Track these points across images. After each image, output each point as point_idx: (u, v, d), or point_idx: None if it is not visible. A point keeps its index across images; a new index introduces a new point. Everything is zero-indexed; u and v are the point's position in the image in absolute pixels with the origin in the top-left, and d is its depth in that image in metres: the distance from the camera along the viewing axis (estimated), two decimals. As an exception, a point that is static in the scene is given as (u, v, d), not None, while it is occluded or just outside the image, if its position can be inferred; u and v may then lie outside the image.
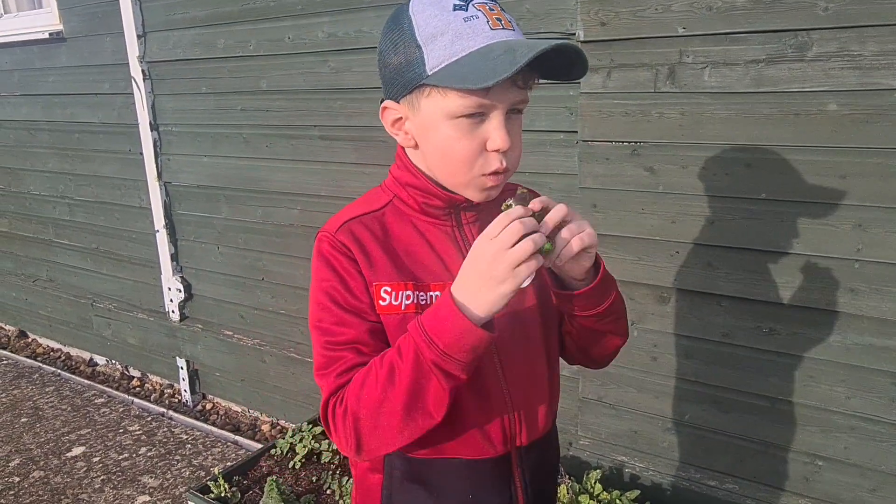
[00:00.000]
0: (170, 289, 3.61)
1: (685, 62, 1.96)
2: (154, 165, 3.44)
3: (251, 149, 3.09)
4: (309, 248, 3.14)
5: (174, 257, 3.56)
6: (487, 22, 0.91)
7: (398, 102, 0.99)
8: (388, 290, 0.99)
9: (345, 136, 2.78)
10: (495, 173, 0.97)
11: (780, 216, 1.92)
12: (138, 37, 3.27)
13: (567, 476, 2.35)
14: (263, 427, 3.46)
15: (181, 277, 3.58)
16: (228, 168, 3.20)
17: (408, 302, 1.00)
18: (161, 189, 3.48)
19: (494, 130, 0.94)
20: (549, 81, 1.00)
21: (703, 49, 1.93)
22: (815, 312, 1.94)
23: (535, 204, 0.91)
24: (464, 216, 1.06)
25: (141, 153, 3.48)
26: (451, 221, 1.05)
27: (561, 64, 0.94)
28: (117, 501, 2.85)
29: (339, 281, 0.99)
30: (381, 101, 1.03)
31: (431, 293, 1.01)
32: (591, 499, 2.19)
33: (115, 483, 2.98)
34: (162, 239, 3.54)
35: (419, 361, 0.90)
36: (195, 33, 3.09)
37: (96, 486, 2.96)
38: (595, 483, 2.24)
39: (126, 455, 3.21)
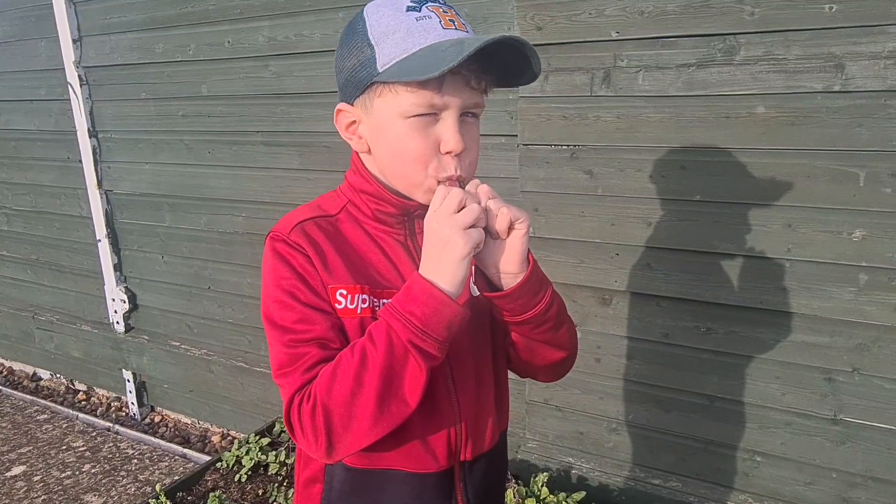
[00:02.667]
0: (114, 300, 3.51)
1: (620, 66, 1.98)
2: (94, 173, 3.35)
3: (193, 155, 3.02)
4: (254, 255, 3.08)
5: (117, 267, 3.47)
6: (440, 22, 0.91)
7: (352, 105, 0.98)
8: (344, 292, 0.97)
9: (288, 142, 2.74)
10: (449, 179, 0.95)
11: (714, 217, 1.95)
12: (73, 41, 3.18)
13: (515, 480, 2.36)
14: (213, 438, 3.39)
15: (125, 288, 3.49)
16: (171, 175, 3.13)
17: (364, 305, 0.98)
18: (102, 197, 3.38)
19: (447, 131, 0.93)
20: (503, 89, 1.00)
21: (636, 53, 1.95)
22: (749, 311, 1.97)
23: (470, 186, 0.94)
24: (417, 225, 1.04)
25: (80, 161, 3.38)
26: (403, 230, 1.04)
27: (515, 64, 0.93)
28: (58, 521, 2.77)
29: (298, 278, 0.97)
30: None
31: (385, 300, 0.99)
32: (537, 502, 2.19)
33: (57, 502, 2.89)
34: (104, 249, 3.44)
35: (393, 344, 0.89)
36: (133, 37, 3.02)
37: (36, 506, 2.86)
38: (542, 486, 2.25)
39: (69, 473, 3.11)
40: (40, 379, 4.19)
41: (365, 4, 0.96)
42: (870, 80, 1.69)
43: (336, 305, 0.97)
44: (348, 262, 1.00)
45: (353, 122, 0.99)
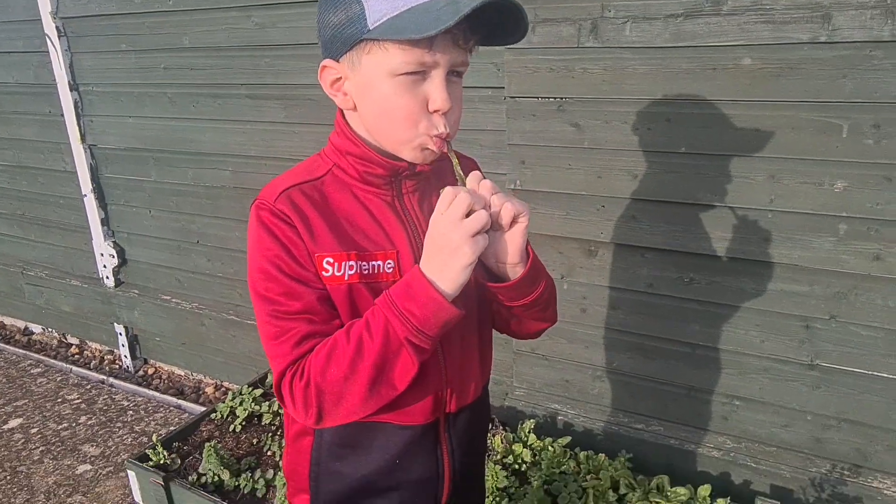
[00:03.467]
0: (102, 254, 3.51)
1: (607, 17, 1.97)
2: (76, 127, 3.31)
3: (177, 109, 2.99)
4: (242, 209, 3.08)
5: (105, 222, 3.46)
6: None
7: (338, 62, 0.96)
8: (331, 260, 0.98)
9: (273, 95, 2.71)
10: (438, 136, 0.96)
11: (698, 169, 1.97)
12: (50, -9, 3.10)
13: (503, 427, 2.43)
14: (207, 389, 3.45)
15: (114, 242, 3.49)
16: (155, 129, 3.10)
17: (351, 272, 0.99)
18: (86, 152, 3.35)
19: (436, 90, 0.93)
20: (489, 47, 0.99)
21: (623, 3, 1.93)
22: (731, 262, 2.01)
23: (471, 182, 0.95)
24: (404, 185, 1.04)
25: (62, 115, 3.33)
26: (391, 191, 1.04)
27: (501, 25, 0.93)
28: (57, 472, 2.83)
29: (283, 249, 0.97)
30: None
31: (375, 262, 1.01)
32: (524, 447, 2.26)
33: (55, 454, 2.95)
34: (90, 203, 3.43)
35: (389, 337, 0.92)
36: (110, -13, 2.94)
37: (35, 458, 2.92)
38: (529, 432, 2.32)
39: (65, 425, 3.17)
40: (32, 333, 4.21)
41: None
42: (856, 31, 1.69)
43: (323, 273, 0.98)
44: (335, 228, 0.99)
45: (339, 78, 0.98)
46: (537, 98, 2.14)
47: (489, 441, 2.33)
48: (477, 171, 0.96)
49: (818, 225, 1.88)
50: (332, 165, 1.04)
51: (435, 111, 0.94)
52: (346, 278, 0.99)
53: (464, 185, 0.95)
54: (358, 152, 1.01)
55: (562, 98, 2.10)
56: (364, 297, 1.00)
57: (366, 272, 1.00)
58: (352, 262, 0.99)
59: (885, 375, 1.92)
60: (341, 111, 1.03)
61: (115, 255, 3.48)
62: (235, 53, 2.74)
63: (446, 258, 0.90)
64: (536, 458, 2.25)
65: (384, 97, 0.93)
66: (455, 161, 0.97)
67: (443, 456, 1.13)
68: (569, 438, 2.31)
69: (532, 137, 2.18)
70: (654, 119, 1.99)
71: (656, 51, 1.93)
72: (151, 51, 2.95)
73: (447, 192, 0.91)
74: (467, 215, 0.89)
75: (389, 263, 1.02)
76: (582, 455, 2.23)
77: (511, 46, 2.11)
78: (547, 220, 2.23)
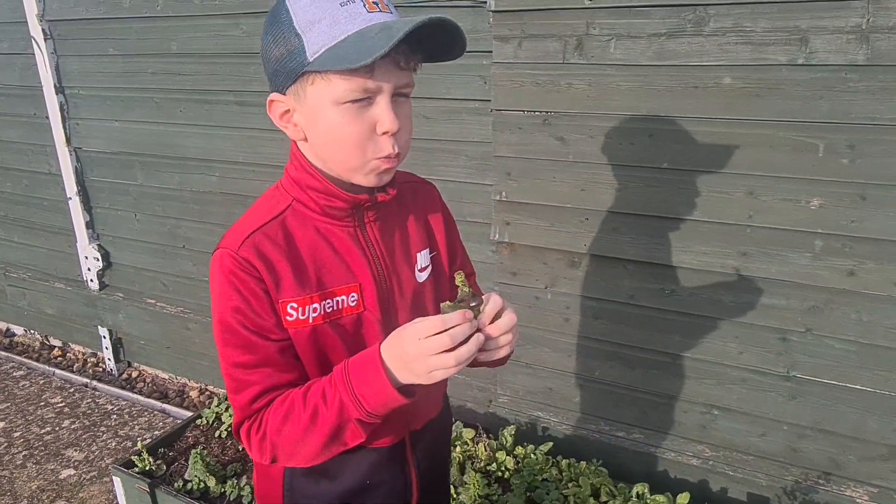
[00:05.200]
0: (87, 257, 3.50)
1: (592, 34, 2.00)
2: (62, 130, 3.30)
3: (164, 114, 2.99)
4: (228, 214, 3.09)
5: (90, 225, 3.45)
6: (364, 6, 0.92)
7: (284, 94, 0.98)
8: (295, 305, 0.99)
9: (260, 102, 2.66)
10: (388, 157, 0.98)
11: (679, 184, 2.01)
12: (36, -7, 3.08)
13: (486, 434, 2.46)
14: (192, 393, 3.46)
15: (98, 245, 3.48)
16: (142, 133, 3.09)
17: (315, 314, 1.01)
18: (71, 155, 3.34)
19: (382, 112, 0.94)
20: (433, 63, 1.01)
21: (608, 22, 1.97)
22: (711, 275, 2.06)
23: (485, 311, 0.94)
24: (366, 216, 1.06)
25: (47, 117, 3.32)
26: (353, 222, 1.05)
27: (441, 43, 0.95)
28: (41, 476, 2.82)
29: (243, 301, 0.98)
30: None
31: (339, 297, 1.03)
32: (507, 455, 2.30)
33: (38, 458, 2.94)
34: (75, 206, 3.42)
35: (343, 413, 0.95)
36: (98, -9, 2.94)
37: (18, 462, 2.91)
38: (510, 437, 2.36)
39: (49, 429, 3.17)
40: (14, 335, 4.19)
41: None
42: (832, 54, 1.74)
43: (287, 318, 1.00)
44: (299, 270, 1.01)
45: (287, 111, 0.99)
46: (523, 111, 2.17)
47: (473, 449, 2.36)
48: (497, 298, 0.95)
49: (795, 240, 1.93)
50: (293, 200, 1.04)
51: (384, 133, 0.96)
52: (310, 321, 1.01)
53: (470, 300, 0.93)
54: (319, 186, 1.01)
55: (547, 112, 2.13)
56: (328, 336, 1.03)
57: (329, 310, 1.03)
58: (315, 305, 1.01)
59: (858, 387, 1.98)
60: (295, 142, 1.04)
61: (100, 258, 3.47)
62: (223, 60, 2.75)
63: (404, 372, 0.93)
64: (519, 465, 2.29)
65: (332, 126, 0.95)
66: (465, 288, 0.95)
67: (410, 469, 1.19)
68: (550, 444, 2.34)
69: (517, 150, 2.21)
70: (636, 134, 2.03)
71: (640, 68, 1.97)
72: (139, 55, 2.95)
73: (436, 321, 0.90)
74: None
75: (353, 297, 1.04)
76: (564, 462, 2.27)
77: (498, 60, 2.14)
78: (531, 231, 2.27)
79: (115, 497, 2.44)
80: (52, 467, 2.88)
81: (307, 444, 0.99)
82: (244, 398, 1.00)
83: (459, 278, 0.94)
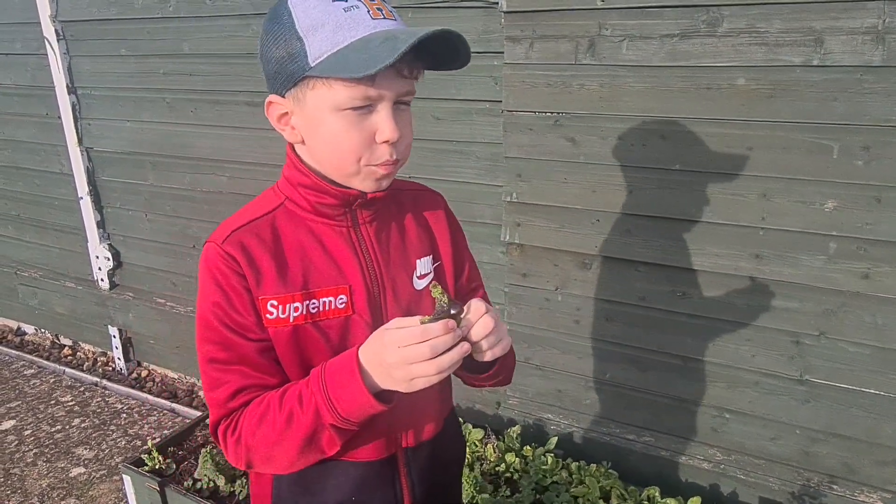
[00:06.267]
0: (97, 257, 3.52)
1: (604, 35, 2.00)
2: (74, 130, 3.31)
3: (175, 114, 3.00)
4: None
5: (100, 224, 3.47)
6: (368, 12, 0.90)
7: (283, 97, 0.96)
8: (275, 303, 0.98)
9: (271, 103, 2.72)
10: (385, 164, 0.96)
11: (692, 186, 2.00)
12: (49, -6, 3.10)
13: (495, 436, 2.46)
14: (201, 393, 3.46)
15: (109, 245, 3.49)
16: (153, 133, 3.11)
17: (296, 314, 0.99)
18: (83, 154, 3.35)
19: (383, 121, 0.93)
20: (436, 71, 0.99)
21: (620, 23, 1.96)
22: (723, 277, 2.05)
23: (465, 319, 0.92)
24: (360, 215, 1.04)
25: (59, 117, 3.34)
26: (346, 221, 1.04)
27: (445, 52, 0.94)
28: (51, 474, 2.83)
29: (223, 297, 0.97)
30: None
31: (325, 299, 1.01)
32: (516, 455, 2.29)
33: (49, 456, 2.96)
34: (87, 206, 3.43)
35: (318, 418, 0.93)
36: (110, -9, 2.95)
37: (28, 460, 2.93)
38: (516, 438, 2.35)
39: (59, 427, 3.18)
40: (25, 334, 4.21)
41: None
42: (847, 55, 1.73)
43: (267, 316, 0.98)
44: (282, 268, 0.99)
45: (285, 113, 0.98)
46: (534, 112, 2.16)
47: (482, 450, 2.36)
48: (480, 304, 0.93)
49: (809, 243, 1.91)
50: (285, 198, 1.04)
51: (384, 142, 0.94)
52: (290, 320, 0.99)
53: (449, 310, 0.90)
54: (309, 183, 1.00)
55: (558, 113, 2.13)
56: (311, 338, 1.01)
57: (314, 310, 1.00)
58: (297, 304, 0.99)
59: (873, 391, 1.96)
60: (290, 144, 1.03)
61: (111, 257, 3.49)
62: (234, 61, 2.75)
63: (383, 377, 0.91)
64: (527, 466, 2.28)
65: (331, 132, 0.94)
66: (443, 299, 0.91)
67: (402, 491, 1.13)
68: (556, 440, 2.34)
69: (528, 151, 2.21)
70: (648, 136, 2.02)
71: (652, 69, 1.96)
72: (151, 56, 2.96)
73: (416, 332, 0.87)
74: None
75: (342, 298, 1.02)
76: (573, 465, 2.26)
77: (509, 61, 2.13)
78: (542, 232, 2.26)
79: (125, 495, 2.44)
80: (63, 465, 2.89)
81: (282, 449, 0.97)
82: (219, 396, 0.99)
83: (436, 291, 0.90)
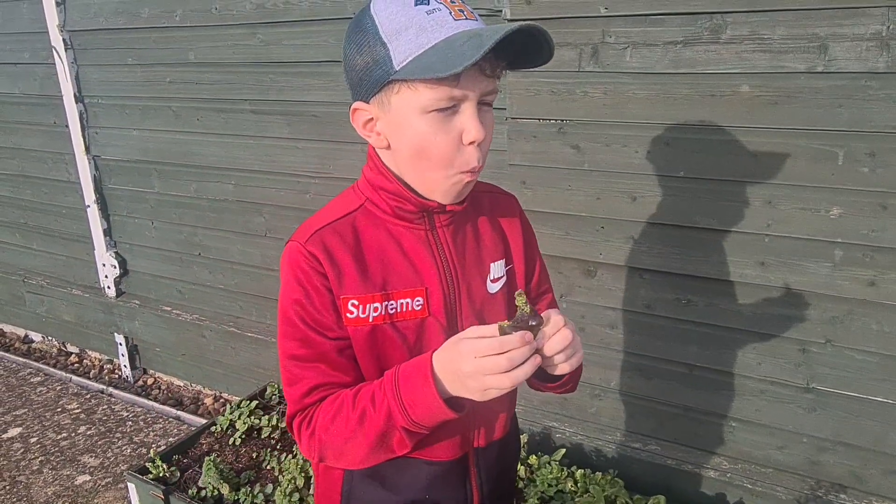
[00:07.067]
0: (104, 265, 3.53)
1: (608, 42, 2.00)
2: (81, 138, 3.34)
3: (181, 122, 3.02)
4: (244, 223, 3.10)
5: (107, 232, 3.48)
6: (450, 13, 0.91)
7: (368, 103, 0.97)
8: (356, 303, 1.00)
9: (277, 111, 2.74)
10: (472, 171, 0.97)
11: (696, 193, 1.99)
12: (57, 4, 3.13)
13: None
14: (206, 400, 3.47)
15: (115, 253, 3.51)
16: (159, 142, 3.12)
17: (375, 314, 1.01)
18: (90, 163, 3.38)
19: (469, 120, 0.93)
20: (518, 70, 0.99)
21: (624, 30, 1.96)
22: (728, 284, 2.04)
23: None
24: (437, 219, 1.05)
25: (66, 126, 3.36)
26: (424, 225, 1.05)
27: (528, 48, 0.93)
28: (57, 482, 2.84)
29: (304, 296, 0.99)
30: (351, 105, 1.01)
31: (403, 300, 1.02)
32: (521, 465, 2.28)
33: (54, 464, 2.96)
34: (94, 214, 3.45)
35: (390, 420, 0.94)
36: (118, 1, 2.97)
37: (34, 468, 2.93)
38: (522, 447, 2.34)
39: (65, 435, 3.18)
40: (32, 341, 4.23)
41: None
42: (851, 62, 1.72)
43: (348, 315, 1.00)
44: (363, 268, 1.01)
45: (371, 119, 0.99)
46: (538, 120, 2.16)
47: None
48: (559, 318, 0.92)
49: (814, 250, 1.90)
50: (365, 200, 1.05)
51: (470, 143, 0.94)
52: (370, 320, 1.01)
53: (529, 321, 0.90)
54: (391, 188, 1.02)
55: (562, 120, 2.13)
56: (388, 338, 1.02)
57: (392, 311, 1.02)
58: (377, 304, 1.01)
59: (880, 399, 1.94)
60: (372, 146, 1.04)
61: (117, 265, 3.50)
62: (240, 69, 2.77)
63: (457, 386, 0.91)
64: (533, 475, 2.26)
65: (419, 135, 0.94)
66: (526, 308, 0.91)
67: (472, 490, 1.15)
68: (563, 451, 2.33)
69: (533, 158, 2.21)
70: (653, 143, 2.01)
71: (656, 76, 1.96)
72: (157, 65, 2.98)
73: (493, 343, 0.87)
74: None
75: (418, 301, 1.03)
76: (579, 473, 2.25)
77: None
78: (547, 240, 2.25)
79: (130, 503, 2.44)
80: (68, 473, 2.90)
81: (354, 446, 0.98)
82: (297, 391, 1.01)
83: (521, 299, 0.91)
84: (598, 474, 2.23)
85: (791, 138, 1.84)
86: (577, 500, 2.15)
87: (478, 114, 0.94)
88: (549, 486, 2.20)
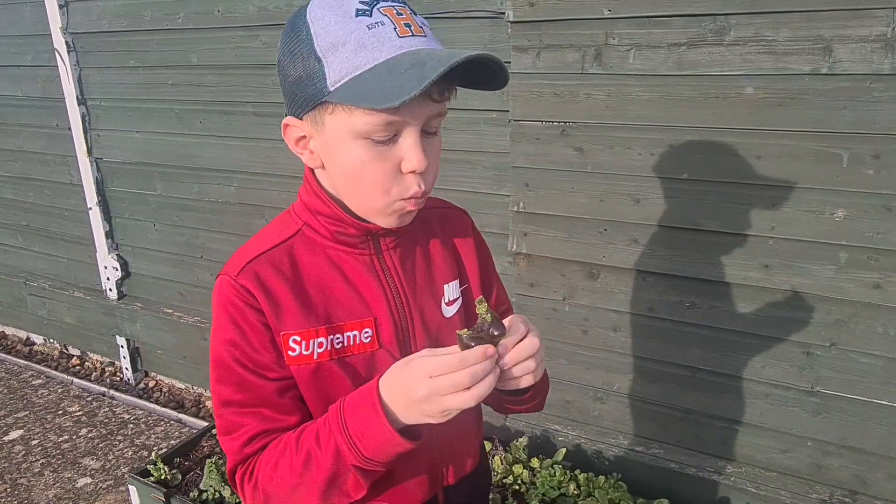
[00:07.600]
0: (106, 267, 3.53)
1: (611, 44, 1.99)
2: (83, 141, 3.33)
3: (183, 124, 3.02)
4: (246, 224, 3.09)
5: (109, 235, 3.48)
6: (395, 29, 0.81)
7: (301, 119, 0.89)
8: (298, 339, 0.90)
9: (278, 113, 2.72)
10: (413, 198, 0.88)
11: (700, 195, 1.99)
12: (60, 6, 3.13)
13: (503, 448, 2.44)
14: (208, 403, 3.46)
15: (117, 255, 3.51)
16: (161, 144, 3.12)
17: (320, 350, 0.92)
18: (92, 165, 3.37)
19: (409, 150, 0.84)
20: (469, 89, 0.90)
21: (627, 32, 1.96)
22: (732, 287, 2.03)
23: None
24: (382, 242, 0.97)
25: (69, 128, 3.36)
26: (368, 249, 0.96)
27: (480, 72, 0.84)
28: (58, 485, 2.83)
29: (239, 334, 0.90)
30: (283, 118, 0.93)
31: (350, 333, 0.94)
32: (523, 468, 2.27)
33: (55, 466, 2.95)
34: (95, 216, 3.45)
35: (339, 459, 0.85)
36: (120, 4, 2.97)
37: (35, 470, 2.93)
38: (522, 449, 2.33)
39: (66, 437, 3.18)
40: (34, 344, 4.23)
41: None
42: (856, 64, 1.72)
43: (289, 353, 0.91)
44: (304, 301, 0.92)
45: (303, 136, 0.90)
46: (541, 122, 2.16)
47: (489, 461, 2.34)
48: (520, 326, 0.85)
49: (818, 252, 1.89)
50: (303, 224, 0.96)
51: (410, 172, 0.86)
52: (314, 357, 0.91)
53: (490, 329, 0.82)
54: (328, 212, 0.93)
55: (565, 122, 2.12)
56: (335, 376, 0.93)
57: (338, 346, 0.93)
58: (321, 339, 0.92)
59: (885, 403, 1.93)
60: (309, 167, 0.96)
61: (119, 267, 3.50)
62: (242, 72, 2.77)
63: (412, 412, 0.82)
64: (535, 478, 2.25)
65: (352, 161, 0.86)
66: (487, 316, 0.83)
67: None
68: (564, 451, 2.32)
69: (535, 160, 2.20)
70: (656, 145, 2.01)
71: (659, 78, 1.95)
72: (159, 67, 2.98)
73: (450, 360, 0.79)
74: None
75: (367, 333, 0.95)
76: (581, 477, 2.24)
77: (516, 71, 2.13)
78: (549, 242, 2.25)
79: (131, 506, 2.44)
80: (69, 475, 2.89)
81: (302, 495, 0.88)
82: (236, 442, 0.91)
83: (482, 307, 0.82)
84: (601, 478, 2.22)
85: (795, 140, 1.83)
86: (579, 503, 2.14)
87: (421, 140, 0.85)
88: (551, 489, 2.19)
